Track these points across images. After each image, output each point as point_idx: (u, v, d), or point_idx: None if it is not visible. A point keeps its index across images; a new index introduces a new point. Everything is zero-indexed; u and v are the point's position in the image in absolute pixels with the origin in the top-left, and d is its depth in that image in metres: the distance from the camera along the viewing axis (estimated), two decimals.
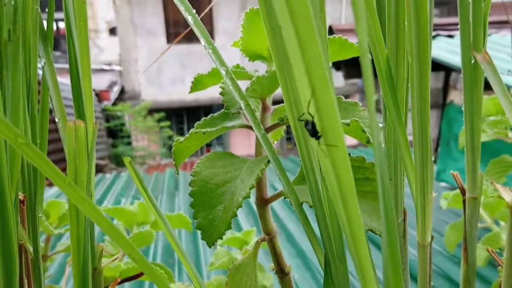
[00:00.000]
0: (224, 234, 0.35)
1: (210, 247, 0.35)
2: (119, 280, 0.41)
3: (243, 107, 0.36)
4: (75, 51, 0.32)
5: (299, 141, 0.30)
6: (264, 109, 0.45)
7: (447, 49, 2.35)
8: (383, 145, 0.38)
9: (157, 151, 8.51)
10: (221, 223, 0.35)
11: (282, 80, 0.28)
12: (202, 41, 0.37)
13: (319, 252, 0.34)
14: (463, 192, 0.41)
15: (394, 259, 0.22)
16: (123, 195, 2.98)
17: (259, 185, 0.43)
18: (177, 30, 8.79)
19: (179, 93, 8.68)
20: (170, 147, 8.91)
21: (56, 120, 0.36)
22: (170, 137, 8.65)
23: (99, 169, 6.53)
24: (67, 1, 0.33)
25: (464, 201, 0.41)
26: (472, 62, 0.39)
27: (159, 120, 8.48)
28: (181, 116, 9.68)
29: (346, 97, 0.44)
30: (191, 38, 9.05)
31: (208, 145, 9.85)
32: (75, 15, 0.33)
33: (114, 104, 8.79)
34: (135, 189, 3.13)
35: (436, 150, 2.64)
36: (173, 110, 9.22)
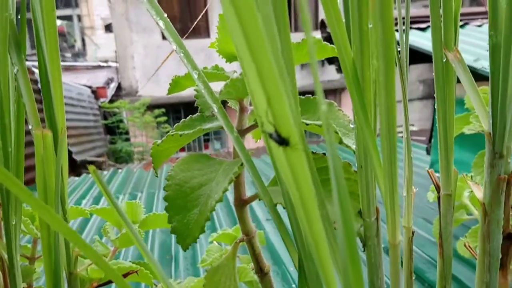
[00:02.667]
0: (198, 238, 0.35)
1: (184, 250, 0.36)
2: (95, 284, 0.41)
3: (216, 111, 0.37)
4: (44, 60, 0.33)
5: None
6: (242, 110, 0.45)
7: None
8: (354, 146, 0.38)
9: None
10: (195, 227, 0.35)
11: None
12: (174, 46, 0.37)
13: (293, 252, 0.35)
14: (437, 189, 0.42)
15: (353, 259, 0.23)
16: (120, 192, 2.99)
17: (237, 186, 0.43)
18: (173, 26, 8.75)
19: None
20: None
21: (30, 127, 0.36)
22: (168, 133, 8.63)
23: (97, 166, 6.53)
24: (35, 10, 0.33)
25: (438, 198, 0.42)
26: (444, 60, 0.39)
27: (157, 116, 8.48)
28: (179, 112, 9.66)
29: (342, 90, 0.45)
30: (186, 33, 9.01)
31: (206, 141, 9.85)
32: (43, 23, 0.33)
33: (111, 101, 8.78)
34: (132, 186, 3.13)
35: (429, 141, 2.64)
36: (170, 105, 9.20)
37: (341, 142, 0.39)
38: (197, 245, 2.02)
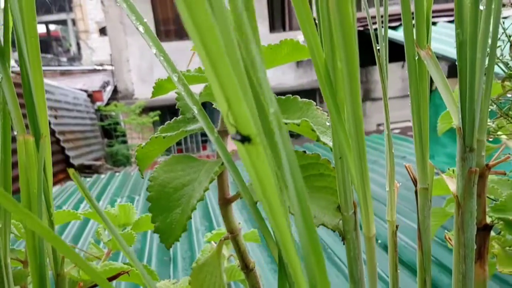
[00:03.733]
0: (180, 237, 0.36)
1: (168, 249, 0.37)
2: (81, 284, 0.42)
3: (196, 112, 0.38)
4: (26, 68, 0.34)
5: None
6: None
7: None
8: (330, 143, 0.40)
9: None
10: (177, 227, 0.36)
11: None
12: (154, 50, 0.38)
13: (273, 249, 0.36)
14: (414, 183, 0.43)
15: (315, 249, 0.24)
16: (117, 195, 3.00)
17: (221, 185, 0.44)
18: (167, 28, 8.77)
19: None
20: None
21: (15, 133, 0.37)
22: None
23: (95, 170, 6.54)
24: (16, 18, 0.34)
25: (416, 192, 0.43)
26: (416, 58, 0.40)
27: (154, 119, 8.48)
28: (175, 114, 9.66)
29: None
30: (181, 34, 9.04)
31: (204, 142, 9.84)
32: (24, 30, 0.34)
33: (107, 104, 8.78)
34: (129, 189, 3.14)
35: None
36: (167, 107, 9.21)
37: (318, 139, 0.40)
38: (195, 246, 2.04)
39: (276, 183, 0.23)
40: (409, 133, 5.31)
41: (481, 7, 0.34)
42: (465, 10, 0.34)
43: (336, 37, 0.28)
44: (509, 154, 0.59)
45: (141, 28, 0.39)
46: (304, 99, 0.45)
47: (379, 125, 9.31)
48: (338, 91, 0.34)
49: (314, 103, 0.44)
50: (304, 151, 0.42)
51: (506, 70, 0.59)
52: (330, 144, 0.40)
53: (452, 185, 0.39)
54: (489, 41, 0.36)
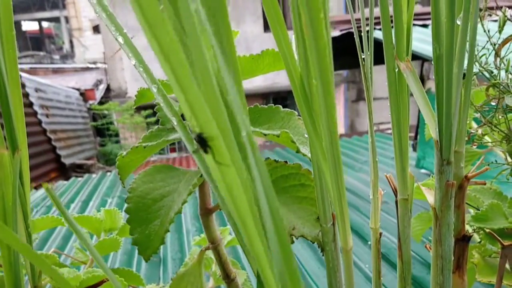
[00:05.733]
0: (158, 249, 0.36)
1: (146, 261, 0.37)
2: None
3: (175, 124, 0.38)
4: (2, 77, 0.33)
5: None
6: None
7: (420, 39, 2.37)
8: (309, 154, 0.40)
9: None
10: (156, 239, 0.36)
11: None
12: (133, 61, 0.38)
13: (250, 259, 0.36)
14: (395, 193, 0.43)
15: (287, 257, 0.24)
16: (108, 195, 2.98)
17: (202, 195, 0.44)
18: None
19: None
20: None
21: None
22: None
23: (87, 169, 6.51)
24: None
25: (396, 202, 0.43)
26: (396, 70, 0.40)
27: (146, 117, 8.45)
28: None
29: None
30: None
31: None
32: (0, 38, 0.34)
33: (100, 103, 8.74)
34: (121, 189, 3.13)
35: (415, 137, 2.67)
36: None
37: (298, 151, 0.40)
38: (185, 247, 2.03)
39: (248, 198, 0.23)
40: None
41: (458, 22, 0.34)
42: (442, 26, 0.34)
43: (311, 56, 0.28)
44: (491, 163, 0.59)
45: (120, 39, 0.39)
46: (286, 109, 0.45)
47: (374, 124, 9.32)
48: (314, 102, 0.34)
49: (296, 113, 0.44)
50: (286, 161, 0.42)
51: (490, 78, 0.60)
52: (309, 154, 0.40)
53: (430, 197, 0.39)
54: (466, 55, 0.36)
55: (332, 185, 0.33)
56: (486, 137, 0.69)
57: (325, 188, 0.37)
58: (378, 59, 0.45)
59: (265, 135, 0.41)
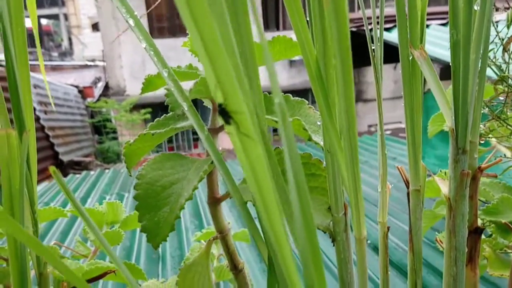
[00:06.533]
0: (167, 236, 0.35)
1: (155, 249, 0.36)
2: (65, 284, 0.41)
3: (186, 109, 0.37)
4: (12, 61, 0.33)
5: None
6: (215, 108, 0.45)
7: None
8: (321, 142, 0.39)
9: None
10: (165, 226, 0.35)
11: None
12: (143, 44, 0.37)
13: (262, 249, 0.35)
14: (407, 184, 0.43)
15: (314, 252, 0.23)
16: (107, 192, 2.97)
17: (210, 184, 0.44)
18: (160, 25, 8.72)
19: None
20: None
21: None
22: None
23: (84, 166, 6.49)
24: (1, 7, 0.33)
25: (408, 194, 0.42)
26: (410, 58, 0.40)
27: (144, 114, 8.43)
28: (166, 111, 9.62)
29: None
30: (175, 31, 8.99)
31: (196, 140, 9.81)
32: (11, 21, 0.33)
33: (98, 100, 8.72)
34: (119, 186, 3.12)
35: None
36: (158, 104, 9.16)
37: (310, 139, 0.39)
38: (185, 244, 2.02)
39: (272, 180, 0.22)
40: (400, 135, 5.34)
41: (475, 7, 0.34)
42: (459, 11, 0.33)
43: (330, 34, 0.28)
44: (501, 157, 0.59)
45: (131, 22, 0.38)
46: (297, 98, 0.44)
47: (370, 126, 9.35)
48: (330, 89, 0.33)
49: (307, 101, 0.44)
50: None
51: (498, 73, 0.59)
52: (321, 143, 0.39)
53: (444, 187, 0.39)
54: (482, 43, 0.35)
55: (348, 173, 0.32)
56: (491, 134, 0.69)
57: (337, 177, 0.36)
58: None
59: (276, 122, 0.40)
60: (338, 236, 0.38)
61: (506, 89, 0.61)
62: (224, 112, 0.21)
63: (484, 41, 0.36)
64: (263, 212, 0.23)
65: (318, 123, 0.41)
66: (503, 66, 0.62)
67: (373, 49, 0.45)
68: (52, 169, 0.26)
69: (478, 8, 0.33)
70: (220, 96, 0.20)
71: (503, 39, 0.62)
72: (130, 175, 0.46)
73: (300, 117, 0.42)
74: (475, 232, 0.41)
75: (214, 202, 0.43)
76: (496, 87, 0.60)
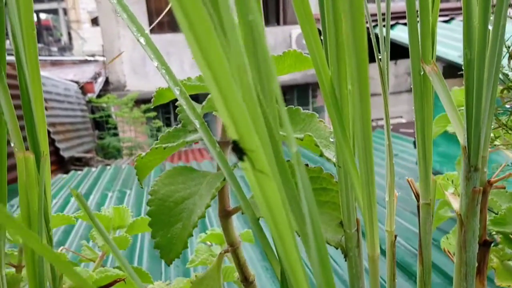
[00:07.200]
0: (181, 254, 0.35)
1: (168, 265, 0.36)
2: None
3: (198, 126, 0.37)
4: (26, 82, 0.33)
5: None
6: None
7: None
8: (333, 158, 0.39)
9: (145, 141, 8.49)
10: (178, 242, 0.35)
11: None
12: (155, 62, 0.37)
13: (275, 265, 0.36)
14: (417, 197, 0.43)
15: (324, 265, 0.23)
16: (109, 189, 2.98)
17: (221, 197, 0.44)
18: (160, 20, 8.69)
19: (164, 83, 8.60)
20: (158, 138, 8.88)
21: (12, 144, 0.36)
22: (159, 128, 8.62)
23: (85, 163, 6.50)
24: (14, 30, 0.33)
25: (418, 207, 0.43)
26: (421, 73, 0.40)
27: (145, 111, 8.42)
28: (167, 106, 9.62)
29: None
30: (175, 27, 8.96)
31: None
32: (24, 44, 0.33)
33: (99, 95, 8.71)
34: (121, 183, 3.12)
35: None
36: None
37: (322, 154, 0.40)
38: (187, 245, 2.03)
39: (287, 216, 0.23)
40: (401, 130, 5.33)
41: (489, 27, 0.34)
42: (474, 30, 0.33)
43: (349, 61, 0.28)
44: (509, 164, 0.59)
45: (142, 40, 0.38)
46: (306, 111, 0.44)
47: (373, 120, 9.33)
48: (344, 108, 0.33)
49: (317, 115, 0.44)
50: (307, 164, 0.42)
51: (505, 81, 0.59)
52: (333, 159, 0.39)
53: (455, 203, 0.39)
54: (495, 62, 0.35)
55: (363, 193, 0.32)
56: (497, 140, 0.69)
57: (350, 193, 0.36)
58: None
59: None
60: (350, 252, 0.38)
61: None
62: (238, 149, 0.21)
63: (497, 60, 0.36)
64: (280, 245, 0.23)
65: (331, 139, 0.41)
66: (510, 74, 0.62)
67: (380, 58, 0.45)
68: (74, 192, 0.26)
69: (492, 27, 0.33)
70: (235, 133, 0.20)
71: (509, 47, 0.62)
72: (142, 187, 0.46)
73: (311, 131, 0.42)
74: (484, 245, 0.42)
75: (225, 215, 0.43)
76: (503, 95, 0.60)
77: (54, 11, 20.62)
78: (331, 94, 0.32)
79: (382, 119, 0.46)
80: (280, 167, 0.24)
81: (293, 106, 0.45)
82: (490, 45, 0.34)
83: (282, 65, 0.44)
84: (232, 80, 0.19)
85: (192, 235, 0.35)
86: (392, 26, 2.96)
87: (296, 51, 0.43)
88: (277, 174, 0.23)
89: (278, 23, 9.38)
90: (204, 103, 0.41)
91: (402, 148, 3.52)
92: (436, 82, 0.38)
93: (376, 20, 0.46)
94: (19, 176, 0.29)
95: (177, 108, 0.42)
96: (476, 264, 0.39)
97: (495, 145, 0.63)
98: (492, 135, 0.66)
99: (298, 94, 9.84)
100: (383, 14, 0.45)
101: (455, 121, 0.37)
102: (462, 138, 0.36)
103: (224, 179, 0.38)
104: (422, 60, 0.39)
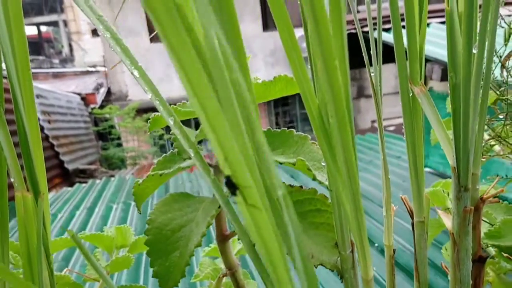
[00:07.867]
0: (179, 282, 0.36)
1: None
2: None
3: (192, 155, 0.38)
4: (22, 118, 0.34)
5: None
6: None
7: None
8: (325, 181, 0.40)
9: (148, 150, 8.52)
10: (176, 271, 0.36)
11: None
12: (149, 94, 0.38)
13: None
14: (411, 215, 0.43)
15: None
16: (113, 201, 2.99)
17: (218, 222, 0.45)
18: None
19: (166, 91, 8.64)
20: (161, 146, 8.83)
21: (12, 180, 0.37)
22: (161, 136, 8.65)
23: (90, 174, 6.52)
24: (6, 54, 0.34)
25: (412, 224, 0.43)
26: (410, 94, 0.40)
27: (148, 120, 8.44)
28: None
29: None
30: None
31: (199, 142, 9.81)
32: (16, 70, 0.34)
33: (101, 106, 8.75)
34: (125, 194, 3.13)
35: None
36: None
37: (314, 178, 0.40)
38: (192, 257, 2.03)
39: (280, 248, 0.23)
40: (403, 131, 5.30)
41: (474, 51, 0.34)
42: (458, 55, 0.34)
43: (327, 97, 0.29)
44: (502, 177, 0.59)
45: (135, 73, 0.39)
46: (300, 133, 0.45)
47: (373, 121, 9.34)
48: (333, 135, 0.34)
49: (309, 137, 0.44)
50: (301, 186, 0.43)
51: (497, 92, 0.60)
52: (326, 182, 0.40)
53: (448, 221, 0.39)
54: (481, 82, 0.36)
55: (351, 217, 0.33)
56: (495, 147, 0.69)
57: (343, 215, 0.37)
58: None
59: (280, 163, 0.41)
60: (346, 274, 0.38)
61: (506, 107, 0.61)
62: (231, 184, 0.22)
63: (485, 77, 0.37)
64: (274, 276, 0.24)
65: (323, 163, 0.42)
66: (503, 84, 0.62)
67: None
68: (70, 232, 0.27)
69: (477, 51, 0.34)
70: (228, 170, 0.21)
71: (501, 56, 0.63)
72: (140, 213, 0.47)
73: (304, 154, 0.43)
74: (479, 261, 0.42)
75: (222, 239, 0.44)
76: (495, 107, 0.60)
77: (54, 23, 20.77)
78: (319, 121, 0.33)
79: (384, 120, 0.47)
80: (271, 202, 0.25)
81: (286, 129, 0.46)
82: (475, 68, 0.35)
83: (273, 89, 0.45)
84: (225, 123, 0.20)
85: (189, 264, 0.36)
86: (389, 30, 2.96)
87: (287, 76, 0.43)
88: (268, 207, 0.24)
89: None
90: (197, 131, 0.41)
91: (404, 150, 3.51)
92: (425, 103, 0.39)
93: (375, 24, 0.46)
94: (18, 215, 0.30)
95: (171, 137, 0.43)
96: (471, 282, 0.40)
97: (489, 156, 0.63)
98: (486, 145, 0.66)
99: (299, 96, 9.84)
100: (384, 16, 0.45)
101: (444, 141, 0.38)
102: (451, 159, 0.37)
103: (219, 207, 0.39)
104: (410, 81, 0.40)
